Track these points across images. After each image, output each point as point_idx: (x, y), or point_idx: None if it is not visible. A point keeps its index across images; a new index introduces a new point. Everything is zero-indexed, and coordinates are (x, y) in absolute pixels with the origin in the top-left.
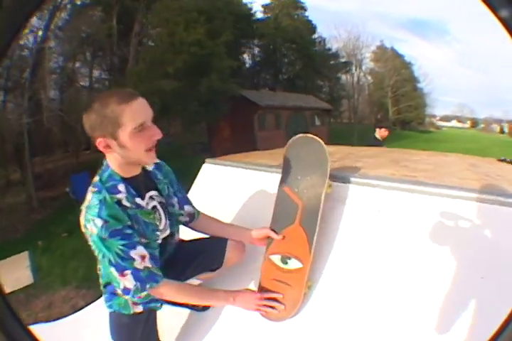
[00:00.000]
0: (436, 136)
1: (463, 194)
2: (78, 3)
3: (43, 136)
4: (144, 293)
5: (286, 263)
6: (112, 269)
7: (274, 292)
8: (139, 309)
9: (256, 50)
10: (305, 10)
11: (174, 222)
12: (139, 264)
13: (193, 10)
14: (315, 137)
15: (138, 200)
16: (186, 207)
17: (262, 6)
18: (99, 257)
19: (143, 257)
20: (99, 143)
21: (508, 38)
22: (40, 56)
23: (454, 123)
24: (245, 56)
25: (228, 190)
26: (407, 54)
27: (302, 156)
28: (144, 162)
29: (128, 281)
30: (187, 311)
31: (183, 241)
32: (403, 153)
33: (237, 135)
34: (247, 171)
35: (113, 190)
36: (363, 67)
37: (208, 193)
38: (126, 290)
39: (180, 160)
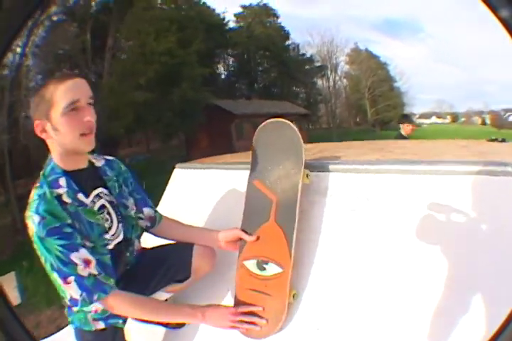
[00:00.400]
0: (417, 133)
1: (463, 168)
2: (55, 19)
3: (25, 157)
4: (98, 307)
5: (264, 268)
6: (55, 275)
7: (251, 305)
8: (101, 325)
9: (230, 60)
10: (277, 17)
11: (130, 226)
12: (82, 270)
13: (165, 19)
14: (284, 120)
15: (80, 196)
16: (146, 210)
17: (235, 15)
18: (42, 262)
19: (87, 262)
20: (37, 126)
21: (508, 38)
22: (18, 74)
23: (433, 119)
24: (220, 66)
25: (202, 194)
26: (382, 54)
27: (271, 143)
28: (81, 149)
29: (73, 290)
30: (161, 328)
31: (144, 249)
32: (387, 143)
33: (216, 146)
34: (220, 171)
35: (54, 184)
36: (339, 71)
37: (181, 198)
38: (73, 301)
39: (160, 176)
